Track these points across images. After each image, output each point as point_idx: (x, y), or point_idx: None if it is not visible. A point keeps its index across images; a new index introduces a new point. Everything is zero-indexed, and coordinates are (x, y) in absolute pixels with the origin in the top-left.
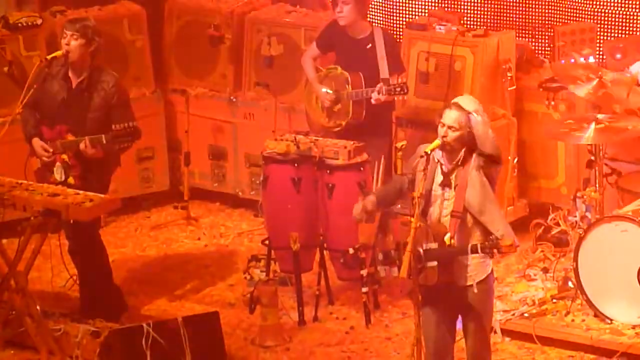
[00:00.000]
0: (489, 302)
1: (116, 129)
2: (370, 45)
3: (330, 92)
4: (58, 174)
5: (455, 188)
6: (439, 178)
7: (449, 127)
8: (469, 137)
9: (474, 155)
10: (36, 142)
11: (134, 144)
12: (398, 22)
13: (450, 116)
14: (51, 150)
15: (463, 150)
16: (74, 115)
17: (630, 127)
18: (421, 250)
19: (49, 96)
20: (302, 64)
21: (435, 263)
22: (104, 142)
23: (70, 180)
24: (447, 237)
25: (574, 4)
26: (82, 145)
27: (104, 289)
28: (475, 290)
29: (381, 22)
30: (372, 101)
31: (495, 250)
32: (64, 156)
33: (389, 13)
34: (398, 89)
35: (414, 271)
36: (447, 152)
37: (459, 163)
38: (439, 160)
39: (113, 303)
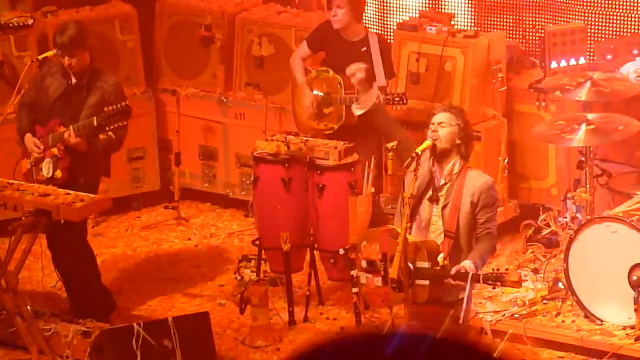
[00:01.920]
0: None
1: (108, 110)
2: (364, 48)
3: (321, 94)
4: (46, 170)
5: (446, 206)
6: (428, 192)
7: (439, 124)
8: (460, 134)
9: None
10: (28, 137)
11: (125, 125)
12: (389, 22)
13: (440, 116)
14: (42, 146)
15: (456, 159)
16: (69, 110)
17: (621, 127)
18: (411, 267)
19: (47, 94)
20: (290, 64)
21: (427, 282)
22: (95, 123)
23: (58, 173)
24: (440, 258)
25: (564, 4)
26: (66, 134)
27: (93, 290)
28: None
29: (371, 23)
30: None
31: (498, 283)
32: (54, 150)
33: (379, 13)
34: (397, 99)
35: (406, 273)
36: (439, 157)
37: (452, 177)
38: (432, 171)
39: (102, 303)
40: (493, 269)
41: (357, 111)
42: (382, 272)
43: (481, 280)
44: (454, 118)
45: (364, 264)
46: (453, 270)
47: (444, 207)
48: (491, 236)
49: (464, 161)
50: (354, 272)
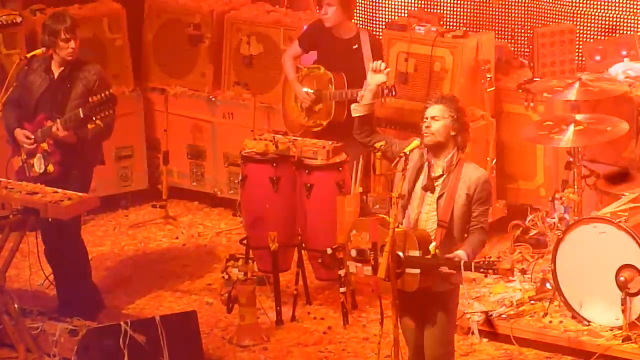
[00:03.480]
0: (456, 306)
1: (93, 100)
2: (356, 45)
3: (312, 91)
4: (38, 165)
5: (442, 196)
6: (423, 180)
7: (432, 118)
8: (454, 125)
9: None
10: (18, 132)
11: (113, 114)
12: (377, 22)
13: (433, 109)
14: (33, 137)
15: (453, 151)
16: (55, 104)
17: (609, 128)
18: (401, 255)
19: (30, 91)
20: (282, 62)
21: (417, 271)
22: (81, 115)
23: (50, 168)
24: (432, 247)
25: (553, 5)
26: (54, 128)
27: (82, 288)
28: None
29: (360, 22)
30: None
31: (490, 271)
32: (44, 145)
33: (368, 13)
34: (386, 91)
35: (392, 273)
36: (434, 149)
37: (450, 168)
38: (428, 161)
39: (91, 301)
40: (485, 257)
41: (356, 112)
42: (372, 262)
43: (473, 268)
44: (446, 110)
45: (353, 252)
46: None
47: (439, 197)
48: (483, 231)
49: (461, 151)
50: (341, 272)
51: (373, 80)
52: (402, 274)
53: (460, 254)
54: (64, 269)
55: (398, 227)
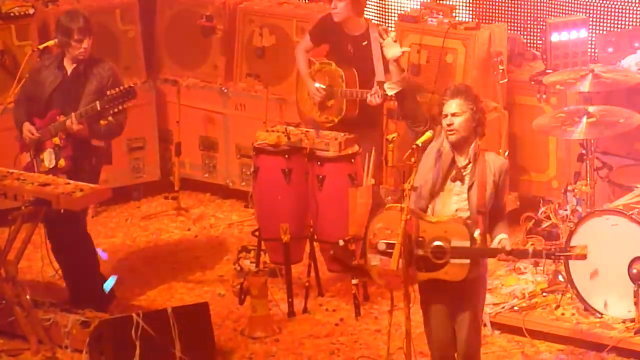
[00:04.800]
0: (484, 291)
1: (111, 93)
2: (366, 42)
3: (323, 87)
4: (48, 160)
5: (472, 186)
6: (450, 171)
7: (453, 115)
8: (474, 117)
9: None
10: (25, 125)
11: (125, 110)
12: (390, 14)
13: (451, 104)
14: (36, 133)
15: (475, 142)
16: (68, 99)
17: (622, 120)
18: (443, 245)
19: (43, 87)
20: (295, 55)
21: (467, 261)
22: (99, 108)
23: (61, 162)
24: (477, 234)
25: None
26: (68, 122)
27: (91, 280)
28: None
29: (373, 14)
30: (367, 102)
31: (562, 257)
32: (55, 139)
33: (380, 5)
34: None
35: (406, 264)
36: (457, 142)
37: (476, 157)
38: (452, 152)
39: (101, 293)
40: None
41: (390, 91)
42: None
43: (544, 255)
44: (464, 103)
45: (381, 245)
46: (507, 247)
47: (470, 187)
48: (504, 214)
49: (480, 139)
50: (353, 264)
51: (389, 55)
52: (445, 264)
53: (504, 240)
54: (71, 265)
55: (424, 218)
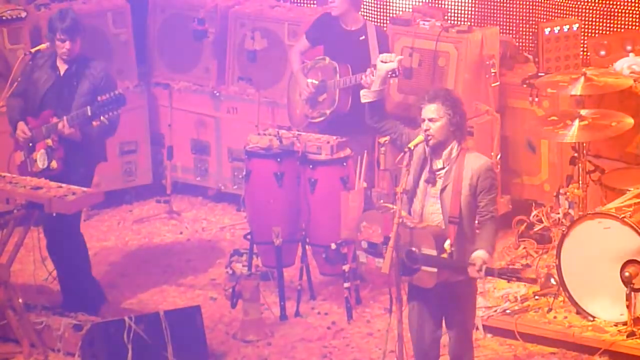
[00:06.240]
0: (474, 295)
1: (101, 99)
2: (363, 37)
3: (316, 82)
4: (41, 161)
5: (445, 189)
6: (425, 174)
7: (430, 120)
8: (452, 121)
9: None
10: (19, 124)
11: (118, 113)
12: (384, 17)
13: (428, 109)
14: (29, 133)
15: (453, 144)
16: (62, 101)
17: (614, 124)
18: (417, 252)
19: (36, 87)
20: (289, 57)
21: (435, 270)
22: (89, 113)
23: (53, 164)
24: (447, 244)
25: (558, 0)
26: (60, 125)
27: (83, 281)
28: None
29: (367, 17)
30: (362, 82)
31: (514, 279)
32: (48, 141)
33: (374, 8)
34: (390, 72)
35: (399, 267)
36: (435, 146)
37: (450, 160)
38: (428, 155)
39: (93, 293)
40: (507, 264)
41: (365, 99)
42: (384, 255)
43: (496, 274)
44: (442, 108)
45: (364, 244)
46: (477, 266)
47: (442, 190)
48: (494, 220)
49: (462, 142)
50: (345, 267)
51: (383, 67)
52: (418, 270)
53: (482, 255)
54: (65, 263)
55: (403, 222)
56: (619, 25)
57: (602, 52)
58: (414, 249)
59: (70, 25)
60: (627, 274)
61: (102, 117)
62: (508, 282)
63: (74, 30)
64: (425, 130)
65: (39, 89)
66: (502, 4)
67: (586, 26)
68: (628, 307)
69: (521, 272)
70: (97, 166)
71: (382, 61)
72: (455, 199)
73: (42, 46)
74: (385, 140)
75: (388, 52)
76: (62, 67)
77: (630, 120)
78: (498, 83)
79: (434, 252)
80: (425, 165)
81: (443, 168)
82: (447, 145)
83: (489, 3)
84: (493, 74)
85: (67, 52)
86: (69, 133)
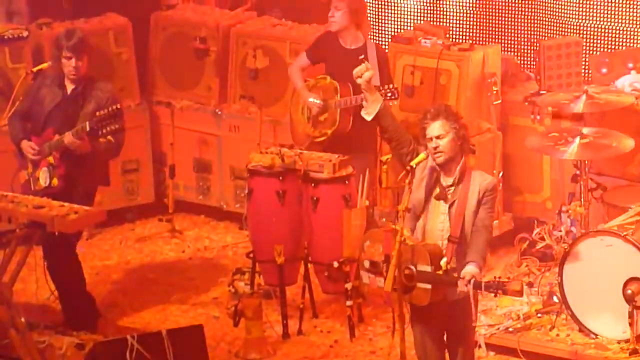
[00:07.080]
0: (472, 313)
1: (100, 114)
2: (362, 56)
3: (318, 101)
4: (43, 179)
5: (453, 204)
6: (436, 189)
7: (437, 137)
8: (458, 135)
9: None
10: (24, 143)
11: (121, 128)
12: (385, 35)
13: (433, 127)
14: (37, 148)
15: (462, 160)
16: (65, 119)
17: (614, 144)
18: (414, 269)
19: (42, 105)
20: (289, 74)
21: (429, 286)
22: (87, 128)
23: (54, 181)
24: (443, 262)
25: (559, 18)
26: (67, 140)
27: (80, 297)
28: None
29: (368, 36)
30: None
31: (500, 292)
32: (50, 158)
33: (375, 26)
34: (389, 94)
35: (400, 286)
36: (444, 163)
37: (462, 177)
38: (437, 171)
39: (88, 309)
40: (495, 277)
41: (367, 117)
42: (385, 273)
43: (483, 288)
44: (447, 123)
45: (366, 264)
46: (465, 280)
47: (451, 205)
48: (487, 230)
49: (467, 156)
50: (348, 285)
51: (363, 80)
52: (414, 288)
53: (471, 270)
54: (65, 283)
55: (404, 240)
56: (620, 43)
57: (604, 70)
58: (410, 266)
59: (77, 43)
60: (629, 291)
61: (108, 137)
62: (495, 296)
63: (80, 48)
64: (435, 148)
65: (45, 107)
66: (503, 22)
67: (588, 43)
68: (630, 324)
69: (506, 284)
70: (98, 189)
71: (357, 77)
72: (458, 218)
73: (44, 65)
74: (387, 158)
75: (388, 72)
76: (69, 87)
77: (630, 142)
78: (500, 101)
79: (428, 269)
80: (436, 182)
81: (452, 185)
82: (458, 161)
83: (491, 21)
84: (495, 91)
85: (74, 71)
86: (78, 145)
